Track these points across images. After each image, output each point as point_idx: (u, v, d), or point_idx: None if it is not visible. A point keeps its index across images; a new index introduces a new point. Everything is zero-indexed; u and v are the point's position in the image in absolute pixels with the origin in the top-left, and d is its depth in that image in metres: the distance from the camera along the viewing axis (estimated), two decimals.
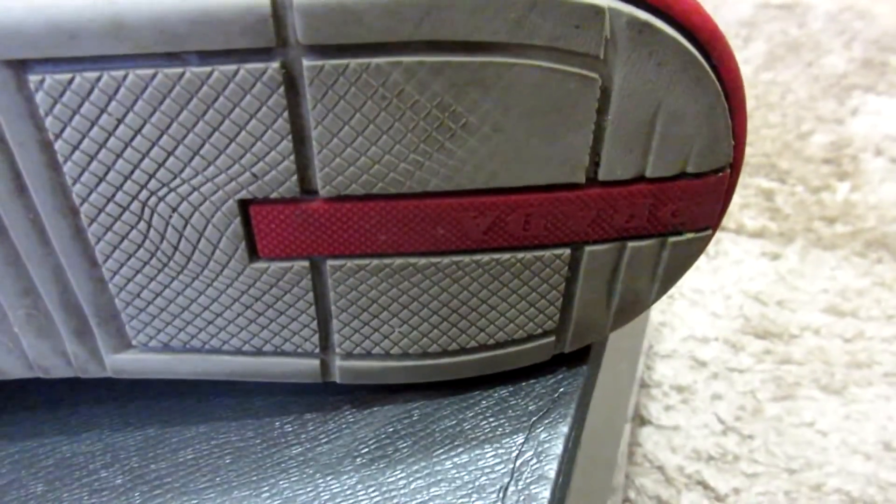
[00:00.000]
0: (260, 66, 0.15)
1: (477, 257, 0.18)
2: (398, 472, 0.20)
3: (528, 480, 0.19)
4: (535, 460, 0.20)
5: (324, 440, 0.21)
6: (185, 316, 0.19)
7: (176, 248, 0.17)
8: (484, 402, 0.21)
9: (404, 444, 0.21)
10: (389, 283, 0.18)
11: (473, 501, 0.19)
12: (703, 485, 0.39)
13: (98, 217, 0.17)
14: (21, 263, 0.17)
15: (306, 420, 0.22)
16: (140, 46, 0.14)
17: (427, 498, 0.19)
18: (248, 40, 0.14)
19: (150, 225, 0.17)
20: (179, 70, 0.15)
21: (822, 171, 0.54)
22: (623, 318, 0.20)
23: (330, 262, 0.18)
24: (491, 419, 0.21)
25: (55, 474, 0.21)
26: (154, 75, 0.15)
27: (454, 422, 0.21)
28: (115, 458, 0.21)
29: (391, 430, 0.21)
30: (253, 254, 0.18)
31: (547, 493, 0.19)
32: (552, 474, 0.19)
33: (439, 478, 0.20)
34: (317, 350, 0.20)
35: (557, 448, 0.20)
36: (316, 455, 0.21)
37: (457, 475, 0.20)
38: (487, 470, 0.20)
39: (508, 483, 0.19)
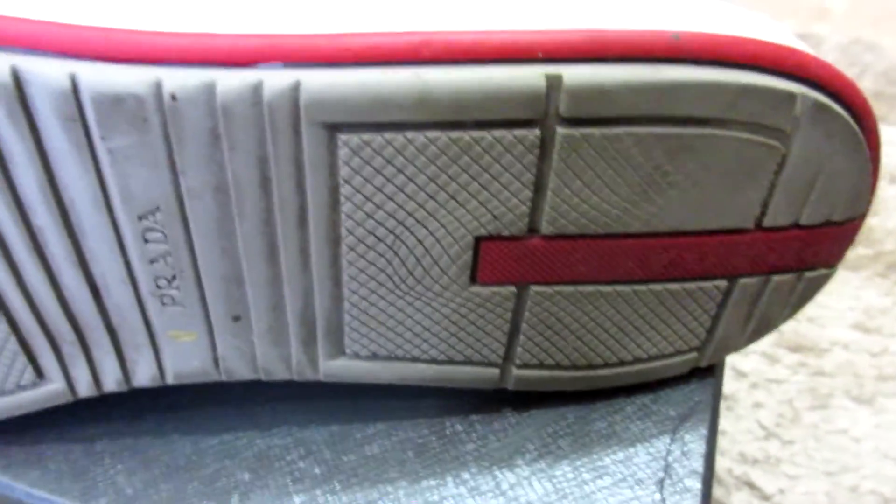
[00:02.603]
0: (524, 132, 0.18)
1: (653, 286, 0.22)
2: (564, 466, 0.24)
3: (680, 475, 0.23)
4: (683, 458, 0.23)
5: (493, 438, 0.25)
6: (399, 329, 0.22)
7: (411, 273, 0.21)
8: (629, 407, 0.25)
9: (565, 443, 0.24)
10: (577, 307, 0.22)
11: (635, 493, 0.23)
12: (751, 485, 0.43)
13: (356, 247, 0.20)
14: (280, 283, 0.20)
15: (473, 421, 0.25)
16: (436, 115, 0.17)
17: (595, 489, 0.23)
18: (521, 112, 0.18)
19: (396, 253, 0.20)
20: (459, 134, 0.18)
21: None
22: (755, 337, 0.24)
23: (534, 288, 0.21)
24: (638, 422, 0.25)
25: (256, 464, 0.24)
26: (438, 138, 0.18)
27: (605, 424, 0.25)
28: (308, 451, 0.25)
29: (551, 430, 0.25)
30: (473, 280, 0.21)
31: (699, 485, 0.23)
32: (701, 469, 0.23)
33: (602, 472, 0.23)
34: (499, 360, 0.23)
35: (701, 448, 0.24)
36: (489, 451, 0.24)
37: (616, 470, 0.23)
38: (643, 466, 0.23)
39: (664, 478, 0.23)
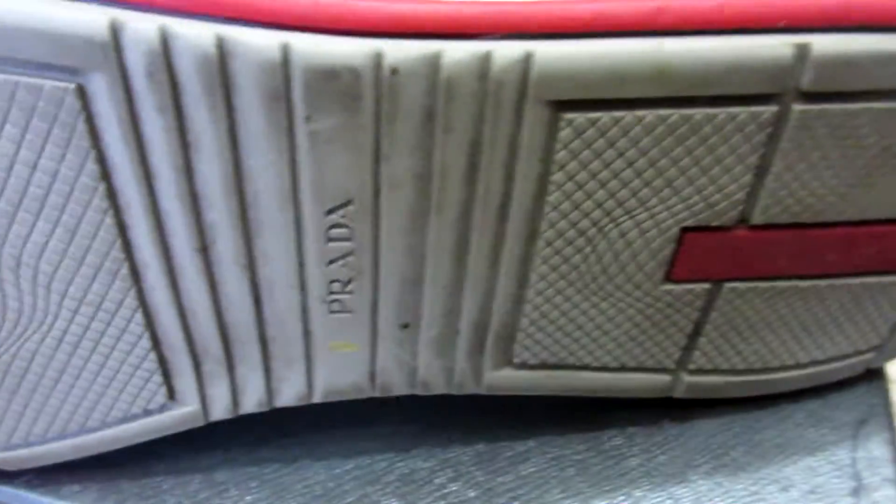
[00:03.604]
0: (760, 109, 0.16)
1: (850, 280, 0.20)
2: (743, 479, 0.22)
3: (874, 484, 0.21)
4: (873, 466, 0.22)
5: (657, 452, 0.23)
6: (576, 334, 0.20)
7: (604, 271, 0.19)
8: (798, 414, 0.23)
9: (737, 454, 0.22)
10: (768, 304, 0.20)
11: None
12: None
13: (554, 242, 0.18)
14: (461, 285, 0.18)
15: (631, 434, 0.23)
16: (672, 90, 0.16)
17: (779, 501, 0.21)
18: (761, 86, 0.16)
19: (594, 248, 0.18)
20: (692, 111, 0.16)
21: None
22: None
23: (728, 285, 0.20)
24: (811, 430, 0.23)
25: (403, 489, 0.22)
26: (669, 116, 0.16)
27: (776, 433, 0.23)
28: (457, 473, 0.22)
29: (719, 440, 0.23)
30: (667, 277, 0.19)
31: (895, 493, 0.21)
32: (893, 475, 0.21)
33: (786, 483, 0.22)
34: (672, 366, 0.21)
35: (889, 453, 0.22)
36: (656, 465, 0.22)
37: (799, 480, 0.22)
38: (830, 476, 0.22)
39: (857, 487, 0.21)
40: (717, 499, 0.21)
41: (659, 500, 0.21)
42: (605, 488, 0.22)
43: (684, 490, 0.22)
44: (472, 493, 0.22)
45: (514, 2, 0.15)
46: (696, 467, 0.22)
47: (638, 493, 0.22)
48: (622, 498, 0.22)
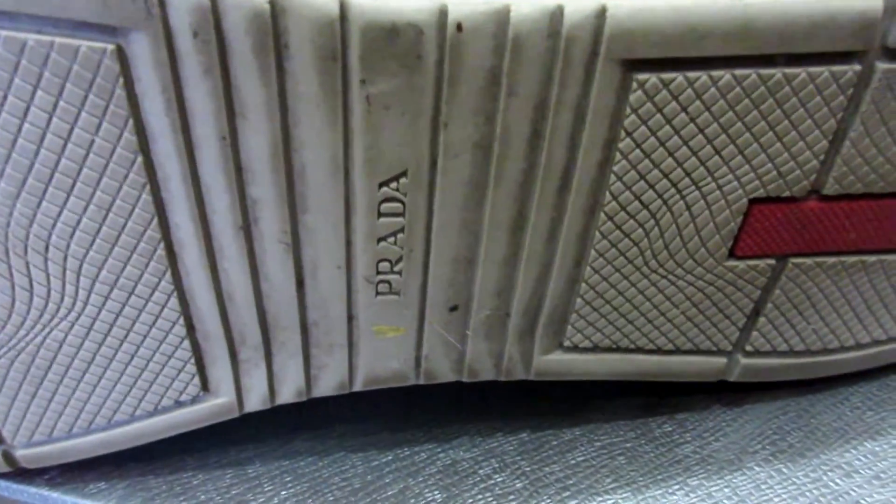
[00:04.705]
0: (843, 68, 0.15)
1: None
2: (803, 465, 0.21)
3: None
4: None
5: (711, 438, 0.22)
6: (631, 315, 0.19)
7: (666, 247, 0.18)
8: (854, 397, 0.22)
9: (794, 439, 0.21)
10: (833, 281, 0.19)
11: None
12: None
13: (616, 216, 0.17)
14: (515, 264, 0.17)
15: (681, 420, 0.22)
16: (752, 47, 0.15)
17: (846, 489, 0.20)
18: (846, 43, 0.15)
19: (657, 223, 0.17)
20: (771, 71, 0.15)
21: None
22: None
23: (793, 261, 0.19)
24: (869, 413, 0.22)
25: (446, 481, 0.21)
26: (747, 76, 0.15)
27: (833, 416, 0.22)
28: (502, 463, 0.21)
29: (774, 426, 0.22)
30: (731, 253, 0.18)
31: None
32: None
33: (848, 469, 0.21)
34: (729, 348, 0.20)
35: None
36: (711, 452, 0.21)
37: (862, 466, 0.21)
38: (895, 461, 0.21)
39: None
40: (777, 486, 0.20)
41: (716, 488, 0.20)
42: (658, 477, 0.21)
43: (742, 478, 0.21)
44: (518, 484, 0.21)
45: None
46: (753, 454, 0.21)
47: (693, 482, 0.21)
48: (676, 487, 0.20)
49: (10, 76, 0.13)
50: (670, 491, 0.20)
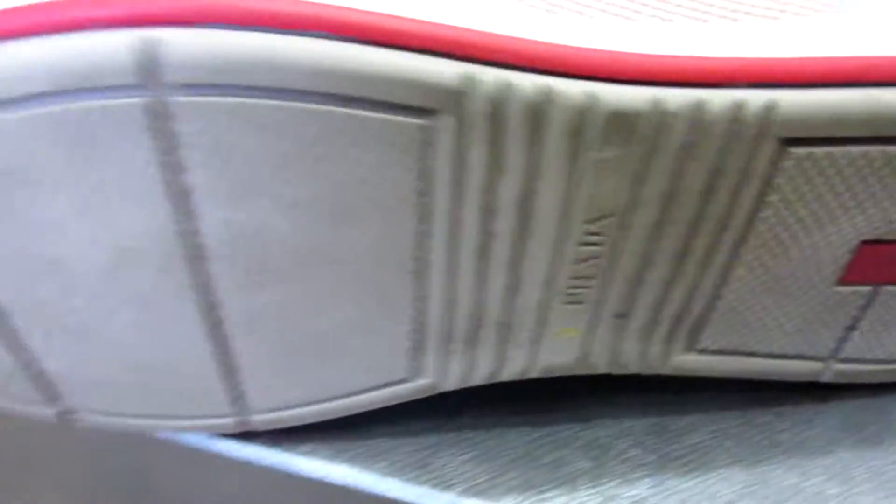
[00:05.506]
0: None
1: None
2: (882, 452, 0.26)
3: None
4: None
5: (804, 427, 0.27)
6: (755, 326, 0.24)
7: (793, 274, 0.23)
8: None
9: (872, 431, 0.26)
10: None
11: None
12: None
13: (758, 249, 0.22)
14: (674, 284, 0.22)
15: (778, 412, 0.27)
16: (877, 130, 0.20)
17: None
18: None
19: (788, 256, 0.22)
20: (890, 149, 0.20)
21: None
22: None
23: (887, 288, 0.23)
24: None
25: (591, 453, 0.26)
26: (869, 152, 0.20)
27: None
28: (635, 441, 0.26)
29: (856, 419, 0.27)
30: (839, 280, 0.23)
31: None
32: None
33: None
34: (825, 355, 0.25)
35: None
36: (804, 440, 0.26)
37: None
38: None
39: None
40: (861, 468, 0.25)
41: (810, 467, 0.25)
42: (762, 457, 0.26)
43: (832, 459, 0.26)
44: (651, 458, 0.26)
45: (759, 58, 0.19)
46: (839, 441, 0.26)
47: (791, 461, 0.26)
48: (777, 465, 0.25)
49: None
50: (772, 468, 0.25)
